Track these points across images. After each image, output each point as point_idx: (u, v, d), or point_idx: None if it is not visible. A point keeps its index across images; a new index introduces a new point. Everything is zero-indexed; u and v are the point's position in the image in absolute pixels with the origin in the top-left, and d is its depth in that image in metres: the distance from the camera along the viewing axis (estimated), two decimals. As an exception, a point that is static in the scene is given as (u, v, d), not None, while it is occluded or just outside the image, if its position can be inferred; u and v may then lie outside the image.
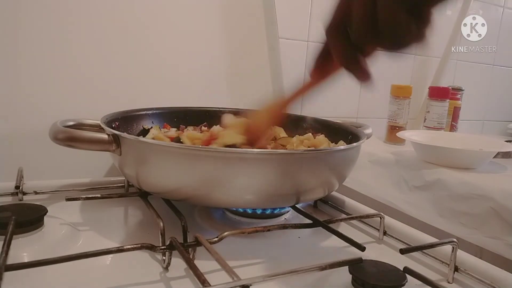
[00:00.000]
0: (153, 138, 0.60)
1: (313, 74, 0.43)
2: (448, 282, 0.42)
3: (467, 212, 0.64)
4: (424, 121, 0.98)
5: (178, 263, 0.40)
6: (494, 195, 0.61)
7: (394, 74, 1.05)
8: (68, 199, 0.51)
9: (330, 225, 0.49)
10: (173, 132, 0.65)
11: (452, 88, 1.02)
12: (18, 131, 0.62)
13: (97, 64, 0.68)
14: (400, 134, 0.83)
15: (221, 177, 0.43)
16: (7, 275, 0.32)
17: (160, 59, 0.73)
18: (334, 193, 0.61)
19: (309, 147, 0.60)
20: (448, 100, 0.96)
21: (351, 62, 0.37)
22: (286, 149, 0.61)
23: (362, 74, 0.38)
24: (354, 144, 0.51)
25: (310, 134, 0.65)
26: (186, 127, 0.69)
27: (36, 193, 0.56)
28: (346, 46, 0.36)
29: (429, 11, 0.33)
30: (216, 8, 0.77)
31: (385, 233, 0.51)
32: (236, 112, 0.69)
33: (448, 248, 0.42)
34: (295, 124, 0.71)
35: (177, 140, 0.57)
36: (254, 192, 0.45)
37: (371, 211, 0.55)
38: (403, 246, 0.47)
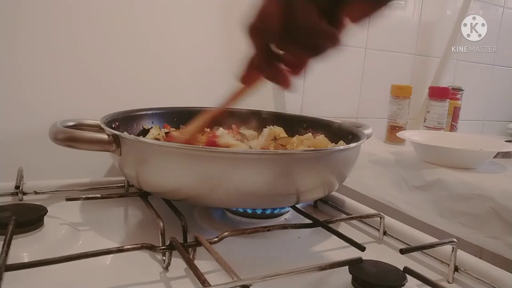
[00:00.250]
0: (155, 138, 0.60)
1: (244, 81, 0.42)
2: (448, 282, 0.42)
3: (467, 212, 0.64)
4: (424, 121, 0.98)
5: (178, 263, 0.40)
6: (494, 195, 0.61)
7: (394, 74, 1.05)
8: (68, 199, 0.51)
9: (330, 225, 0.49)
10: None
11: (452, 88, 1.02)
12: (18, 131, 0.62)
13: (97, 64, 0.68)
14: (400, 134, 0.83)
15: (221, 177, 0.43)
16: (7, 275, 0.32)
17: (160, 59, 0.73)
18: (334, 193, 0.61)
19: (309, 147, 0.60)
20: (448, 100, 0.96)
21: (267, 68, 0.37)
22: (286, 149, 0.61)
23: (282, 81, 0.37)
24: (354, 144, 0.51)
25: (310, 134, 0.65)
26: (186, 127, 0.69)
27: (36, 193, 0.56)
28: (264, 51, 0.36)
29: (343, 15, 0.33)
30: (216, 9, 0.77)
31: (385, 233, 0.51)
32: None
33: (448, 248, 0.42)
34: (295, 124, 0.71)
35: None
36: (254, 192, 0.45)
37: (371, 211, 0.55)
38: (403, 246, 0.47)
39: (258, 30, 0.36)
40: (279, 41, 0.35)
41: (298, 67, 0.36)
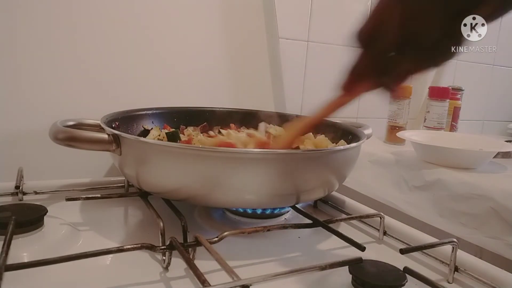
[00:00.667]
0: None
1: (344, 89, 0.40)
2: (448, 282, 0.42)
3: (467, 212, 0.64)
4: (424, 121, 0.98)
5: (178, 263, 0.40)
6: (494, 195, 0.61)
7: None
8: (68, 199, 0.51)
9: (330, 225, 0.49)
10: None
11: (452, 88, 1.02)
12: (18, 131, 0.62)
13: (97, 64, 0.68)
14: (400, 134, 0.83)
15: (221, 177, 0.43)
16: (7, 275, 0.32)
17: (160, 59, 0.73)
18: (334, 193, 0.61)
19: (310, 146, 0.60)
20: (448, 100, 0.96)
21: (379, 77, 0.35)
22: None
23: (393, 90, 0.36)
24: (354, 144, 0.51)
25: (311, 134, 0.65)
26: (186, 127, 0.69)
27: (36, 193, 0.56)
28: (377, 59, 0.34)
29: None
30: (216, 9, 0.77)
31: (385, 233, 0.51)
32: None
33: (448, 248, 0.42)
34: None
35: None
36: (254, 192, 0.45)
37: (371, 211, 0.55)
38: (403, 246, 0.47)
39: (371, 37, 0.34)
40: (395, 49, 0.33)
41: (405, 76, 0.35)
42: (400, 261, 0.40)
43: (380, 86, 0.36)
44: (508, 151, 0.82)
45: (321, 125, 0.68)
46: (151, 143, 0.47)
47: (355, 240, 0.44)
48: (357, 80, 0.38)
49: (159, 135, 0.62)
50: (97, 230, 0.48)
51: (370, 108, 1.03)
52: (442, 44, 0.31)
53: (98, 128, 0.55)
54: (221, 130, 0.68)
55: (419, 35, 0.31)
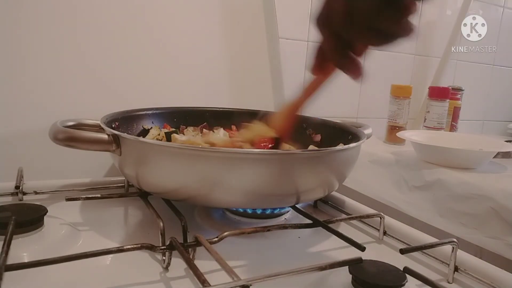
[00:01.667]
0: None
1: (314, 72, 0.42)
2: (448, 282, 0.42)
3: (467, 212, 0.64)
4: (424, 121, 0.98)
5: (178, 263, 0.40)
6: (494, 195, 0.61)
7: (394, 74, 1.05)
8: (68, 199, 0.51)
9: (330, 225, 0.49)
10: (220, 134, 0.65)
11: (452, 88, 1.02)
12: (18, 131, 0.62)
13: (98, 65, 0.68)
14: (400, 134, 0.83)
15: (221, 177, 0.43)
16: (7, 275, 0.32)
17: (160, 60, 0.73)
18: (334, 193, 0.61)
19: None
20: (448, 100, 0.96)
21: (340, 57, 0.37)
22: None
23: (353, 70, 0.37)
24: (354, 144, 0.51)
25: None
26: (186, 127, 0.69)
27: (36, 193, 0.56)
28: (335, 41, 0.36)
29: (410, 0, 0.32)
30: (216, 9, 0.77)
31: (385, 233, 0.51)
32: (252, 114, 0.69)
33: (448, 248, 0.42)
34: (295, 124, 0.70)
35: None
36: (254, 192, 0.45)
37: (371, 211, 0.55)
38: (403, 246, 0.47)
39: (324, 18, 0.35)
40: (343, 28, 0.34)
41: (359, 54, 0.36)
42: (400, 261, 0.40)
43: (339, 67, 0.37)
44: (508, 151, 0.82)
45: (320, 125, 0.68)
46: (151, 143, 0.47)
47: (355, 240, 0.44)
48: (324, 62, 0.40)
49: (159, 135, 0.62)
50: (97, 230, 0.48)
51: (370, 108, 1.04)
52: (386, 16, 0.32)
53: (98, 128, 0.55)
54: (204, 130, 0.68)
55: (361, 11, 0.32)
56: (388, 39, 0.33)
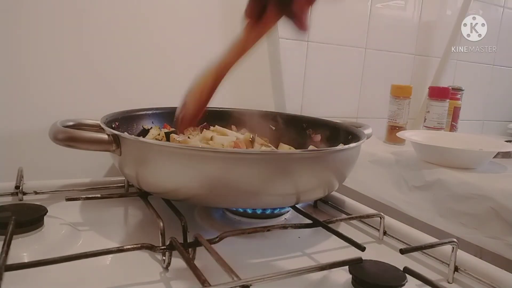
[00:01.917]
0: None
1: (250, 15, 0.37)
2: (448, 282, 0.42)
3: (467, 212, 0.64)
4: (424, 121, 0.98)
5: (178, 263, 0.40)
6: (494, 195, 0.61)
7: (394, 74, 1.05)
8: (68, 199, 0.51)
9: (330, 225, 0.49)
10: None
11: (452, 88, 1.02)
12: (18, 131, 0.62)
13: (97, 64, 0.68)
14: (400, 134, 0.83)
15: (221, 177, 0.43)
16: (7, 275, 0.32)
17: (161, 60, 0.73)
18: (334, 193, 0.61)
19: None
20: (448, 100, 0.96)
21: (286, 6, 0.33)
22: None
23: (300, 18, 0.34)
24: (354, 144, 0.51)
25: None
26: (186, 127, 0.69)
27: (36, 193, 0.56)
28: None
29: None
30: (216, 9, 0.77)
31: (385, 233, 0.51)
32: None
33: (448, 248, 0.42)
34: (295, 124, 0.71)
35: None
36: (254, 192, 0.45)
37: (371, 211, 0.55)
38: (403, 246, 0.47)
39: None
40: None
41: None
42: (400, 261, 0.40)
43: (283, 13, 0.34)
44: (508, 151, 0.82)
45: (320, 125, 0.68)
46: (151, 143, 0.47)
47: (355, 240, 0.44)
48: (261, 7, 0.36)
49: (159, 135, 0.62)
50: (97, 230, 0.48)
51: (370, 108, 1.04)
52: None
53: (98, 128, 0.55)
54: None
55: None
56: None
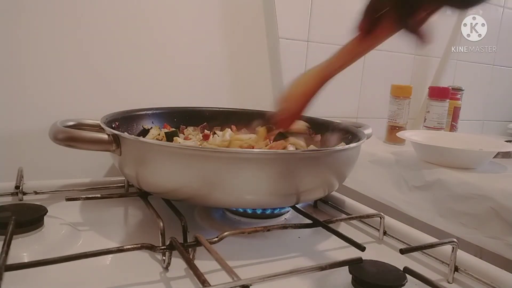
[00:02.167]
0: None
1: (363, 29, 0.35)
2: (448, 282, 0.42)
3: (467, 212, 0.64)
4: (424, 121, 0.98)
5: (178, 263, 0.40)
6: (494, 195, 0.61)
7: (394, 74, 1.05)
8: (68, 199, 0.51)
9: (330, 225, 0.49)
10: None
11: (452, 88, 1.02)
12: (18, 131, 0.62)
13: (97, 64, 0.68)
14: (400, 134, 0.83)
15: (221, 177, 0.43)
16: (7, 275, 0.32)
17: (160, 60, 0.73)
18: (334, 193, 0.61)
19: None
20: (448, 100, 0.96)
21: (407, 15, 0.30)
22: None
23: (421, 35, 0.31)
24: (354, 144, 0.51)
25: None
26: (186, 127, 0.69)
27: (36, 193, 0.56)
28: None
29: None
30: (216, 9, 0.77)
31: (385, 233, 0.51)
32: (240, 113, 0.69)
33: (448, 248, 0.42)
34: (295, 124, 0.70)
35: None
36: (254, 192, 0.45)
37: (371, 211, 0.55)
38: (403, 246, 0.47)
39: None
40: None
41: (432, 11, 0.30)
42: (400, 261, 0.40)
43: (402, 26, 0.31)
44: (508, 151, 0.82)
45: (320, 125, 0.68)
46: (151, 143, 0.47)
47: (355, 240, 0.44)
48: (376, 20, 0.33)
49: (159, 135, 0.62)
50: (97, 230, 0.48)
51: (370, 108, 1.04)
52: None
53: (98, 128, 0.55)
54: (216, 132, 0.68)
55: None
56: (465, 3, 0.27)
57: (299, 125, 0.61)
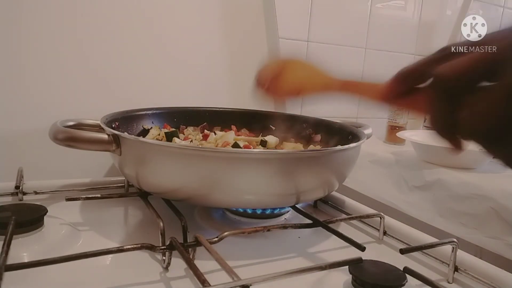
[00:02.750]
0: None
1: (394, 88, 0.31)
2: (448, 282, 0.42)
3: (467, 212, 0.64)
4: (424, 121, 0.98)
5: (178, 263, 0.40)
6: (494, 195, 0.61)
7: (394, 74, 1.05)
8: (68, 199, 0.51)
9: (330, 225, 0.49)
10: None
11: (452, 88, 1.02)
12: (18, 131, 0.62)
13: (97, 64, 0.68)
14: (400, 134, 0.83)
15: (221, 177, 0.43)
16: (7, 275, 0.32)
17: (160, 60, 0.73)
18: (334, 193, 0.61)
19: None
20: (448, 100, 0.96)
21: (448, 120, 0.26)
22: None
23: (458, 141, 0.26)
24: (354, 144, 0.51)
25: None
26: (186, 127, 0.69)
27: (36, 193, 0.56)
28: (446, 107, 0.25)
29: None
30: (216, 9, 0.77)
31: (385, 233, 0.51)
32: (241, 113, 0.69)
33: (448, 248, 0.42)
34: (295, 124, 0.71)
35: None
36: (254, 192, 0.45)
37: (371, 211, 0.55)
38: (403, 246, 0.47)
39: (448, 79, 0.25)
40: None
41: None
42: (400, 261, 0.40)
43: (441, 132, 0.26)
44: (508, 151, 0.81)
45: (320, 125, 0.68)
46: (151, 143, 0.47)
47: (355, 240, 0.44)
48: (414, 90, 0.29)
49: (159, 135, 0.62)
50: (97, 230, 0.48)
51: (370, 108, 1.04)
52: None
53: (98, 128, 0.55)
54: (216, 132, 0.68)
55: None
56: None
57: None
